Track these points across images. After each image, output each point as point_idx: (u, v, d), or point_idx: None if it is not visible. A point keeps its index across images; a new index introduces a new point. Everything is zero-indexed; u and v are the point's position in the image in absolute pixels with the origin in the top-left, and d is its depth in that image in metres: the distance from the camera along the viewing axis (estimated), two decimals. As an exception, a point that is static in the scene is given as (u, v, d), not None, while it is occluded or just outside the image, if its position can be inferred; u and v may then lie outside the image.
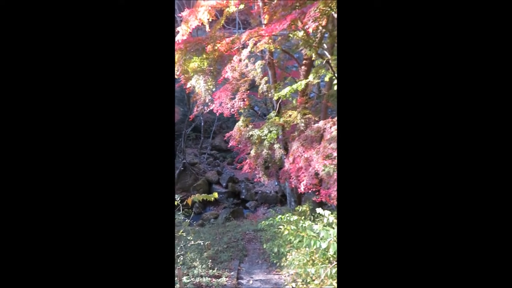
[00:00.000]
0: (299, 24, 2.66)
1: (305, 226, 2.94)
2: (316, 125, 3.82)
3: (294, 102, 4.97)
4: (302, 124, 4.25)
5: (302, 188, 3.45)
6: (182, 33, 3.47)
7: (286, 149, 4.94)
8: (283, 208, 7.29)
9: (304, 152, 3.43)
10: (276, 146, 4.55)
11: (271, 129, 4.62)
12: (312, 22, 1.95)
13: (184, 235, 3.90)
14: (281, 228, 2.64)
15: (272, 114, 5.00)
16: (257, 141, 4.83)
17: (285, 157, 4.68)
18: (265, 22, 4.38)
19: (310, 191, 3.84)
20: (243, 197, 9.05)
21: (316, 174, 3.27)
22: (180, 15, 3.57)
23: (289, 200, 5.95)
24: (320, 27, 3.55)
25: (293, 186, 4.11)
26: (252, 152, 4.87)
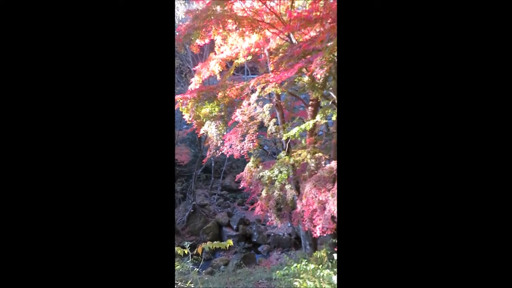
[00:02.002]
0: (305, 71, 2.83)
1: (323, 275, 2.69)
2: (328, 165, 3.77)
3: (303, 142, 5.01)
4: (313, 164, 4.21)
5: (318, 233, 3.25)
6: (195, 83, 3.74)
7: (297, 189, 4.82)
8: (297, 252, 6.81)
9: (317, 194, 3.33)
10: (287, 186, 4.45)
11: (281, 169, 4.58)
12: (319, 69, 2.09)
13: (192, 286, 3.62)
14: (297, 283, 2.42)
15: (282, 154, 5.02)
16: (267, 181, 4.77)
17: (297, 198, 4.54)
18: (271, 69, 4.70)
19: (325, 234, 3.62)
20: (255, 240, 8.58)
21: (333, 217, 3.11)
22: (194, 68, 3.90)
23: (304, 243, 5.58)
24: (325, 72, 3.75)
25: (306, 229, 3.90)
26: (263, 193, 4.77)
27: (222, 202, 10.38)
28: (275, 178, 4.58)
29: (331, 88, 5.01)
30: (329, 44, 1.94)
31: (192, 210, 9.20)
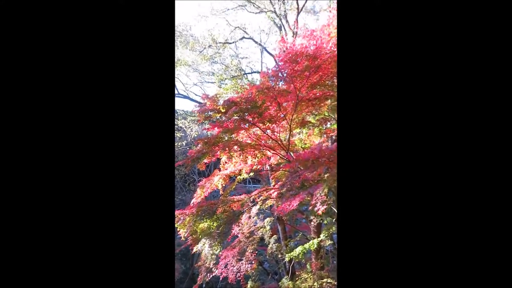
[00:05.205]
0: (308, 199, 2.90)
1: None
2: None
3: (308, 266, 4.47)
4: (322, 298, 3.55)
5: None
6: (196, 197, 3.75)
7: (305, 331, 3.86)
8: None
9: None
10: (292, 329, 3.58)
11: (284, 302, 3.83)
12: (320, 205, 2.13)
13: None
14: None
15: (285, 280, 4.37)
16: (268, 318, 3.90)
17: None
18: (273, 184, 4.83)
19: None
20: None
21: None
22: (199, 184, 4.05)
23: None
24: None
25: None
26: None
27: None
28: (277, 315, 3.76)
29: (333, 204, 4.94)
30: (326, 175, 2.06)
31: None
